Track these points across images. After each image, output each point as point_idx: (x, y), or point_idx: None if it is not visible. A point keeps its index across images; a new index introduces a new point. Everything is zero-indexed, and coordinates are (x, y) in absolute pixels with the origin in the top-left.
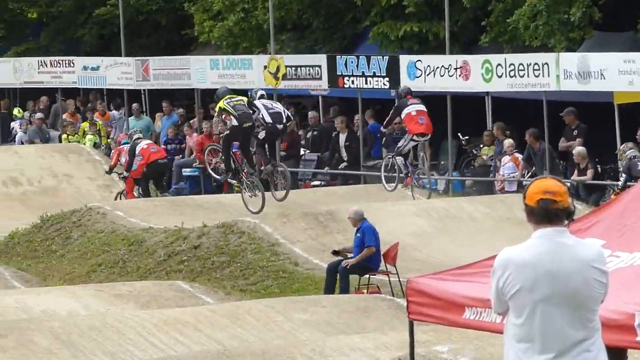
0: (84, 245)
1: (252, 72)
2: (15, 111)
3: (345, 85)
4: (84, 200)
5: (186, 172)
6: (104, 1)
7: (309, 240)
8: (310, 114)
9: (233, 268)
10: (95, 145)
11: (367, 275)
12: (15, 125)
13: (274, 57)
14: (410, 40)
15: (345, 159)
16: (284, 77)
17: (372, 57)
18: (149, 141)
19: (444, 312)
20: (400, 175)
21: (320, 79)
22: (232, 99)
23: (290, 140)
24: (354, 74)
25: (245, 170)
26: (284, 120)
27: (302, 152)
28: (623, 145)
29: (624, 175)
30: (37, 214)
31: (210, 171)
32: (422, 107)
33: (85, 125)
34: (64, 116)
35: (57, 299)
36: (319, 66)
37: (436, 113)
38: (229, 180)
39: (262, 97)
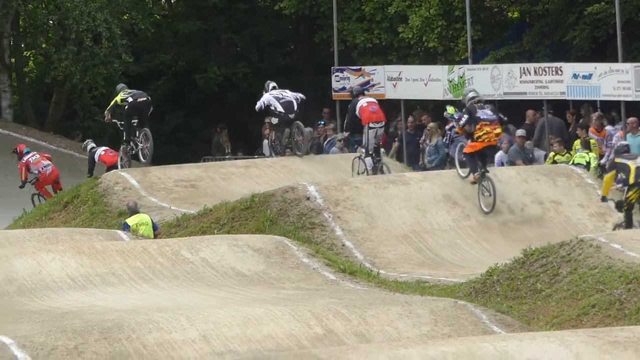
0: (574, 284)
1: None
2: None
3: None
4: (574, 231)
5: None
6: None
7: None
8: None
9: None
10: (587, 167)
11: None
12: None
13: None
14: None
15: None
16: None
17: None
18: (105, 148)
19: None
20: None
21: None
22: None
23: None
24: None
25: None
26: (295, 109)
27: None
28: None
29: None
30: (520, 247)
31: None
32: None
33: (577, 143)
34: None
35: (542, 346)
36: None
37: None
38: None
39: (274, 88)
